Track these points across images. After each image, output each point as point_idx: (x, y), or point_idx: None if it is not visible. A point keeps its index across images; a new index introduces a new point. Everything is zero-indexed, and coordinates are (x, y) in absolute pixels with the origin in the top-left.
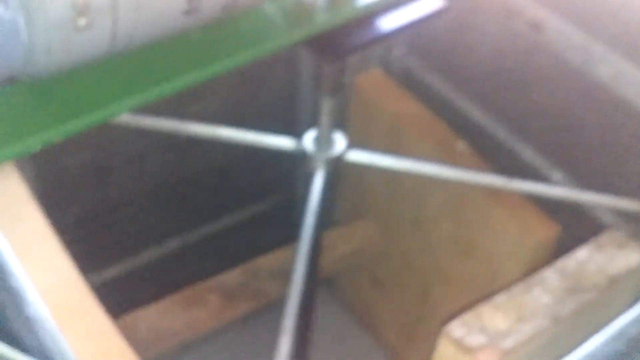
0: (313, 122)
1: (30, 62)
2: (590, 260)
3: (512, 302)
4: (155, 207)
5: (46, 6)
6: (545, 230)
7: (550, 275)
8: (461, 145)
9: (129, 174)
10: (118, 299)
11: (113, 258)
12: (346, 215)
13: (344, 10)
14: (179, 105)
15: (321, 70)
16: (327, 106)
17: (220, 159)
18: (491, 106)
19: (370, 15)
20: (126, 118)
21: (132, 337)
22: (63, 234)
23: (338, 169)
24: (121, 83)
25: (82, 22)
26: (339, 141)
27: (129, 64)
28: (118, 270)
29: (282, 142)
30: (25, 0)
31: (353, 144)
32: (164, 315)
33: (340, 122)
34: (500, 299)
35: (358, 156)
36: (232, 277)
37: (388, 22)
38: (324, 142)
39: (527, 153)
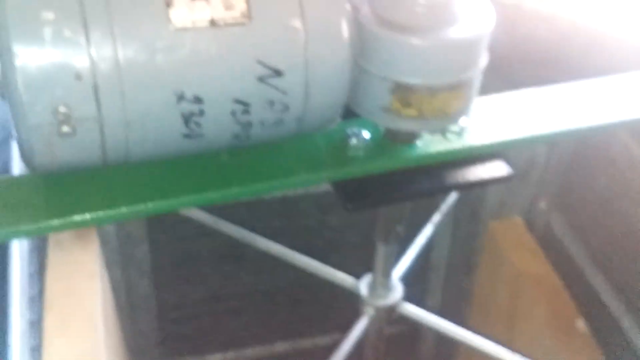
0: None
1: (22, 157)
2: None
3: None
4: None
5: (25, 109)
6: None
7: None
8: (580, 325)
9: (223, 273)
10: None
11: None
12: None
13: (387, 161)
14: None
15: (375, 216)
16: (380, 252)
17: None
18: (622, 289)
19: (416, 169)
20: (205, 218)
21: None
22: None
23: (390, 318)
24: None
25: (66, 129)
26: (396, 290)
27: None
28: None
29: (342, 278)
30: (10, 99)
31: (478, 288)
32: None
33: (471, 264)
34: None
35: (413, 310)
36: None
37: (433, 179)
38: (377, 288)
39: None
